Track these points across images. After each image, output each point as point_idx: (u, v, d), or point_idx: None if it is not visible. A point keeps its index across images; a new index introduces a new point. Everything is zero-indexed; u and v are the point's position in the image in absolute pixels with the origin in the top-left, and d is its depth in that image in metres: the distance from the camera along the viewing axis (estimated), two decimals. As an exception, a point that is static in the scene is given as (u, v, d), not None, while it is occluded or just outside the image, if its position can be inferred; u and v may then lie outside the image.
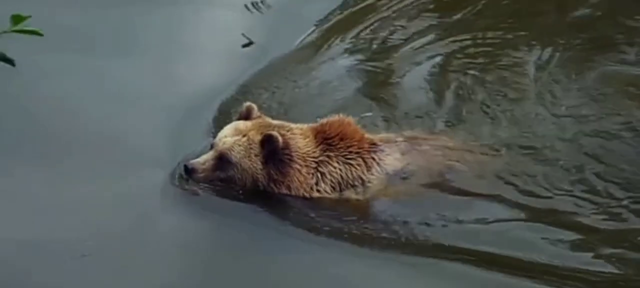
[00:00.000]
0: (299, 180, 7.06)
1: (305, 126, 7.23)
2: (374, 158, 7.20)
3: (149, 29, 9.12)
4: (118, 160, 7.39)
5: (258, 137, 6.99)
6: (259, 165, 7.01)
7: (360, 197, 7.15)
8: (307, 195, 7.10)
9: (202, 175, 7.04)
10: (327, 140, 7.16)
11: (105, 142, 7.56)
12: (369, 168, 7.16)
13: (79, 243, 6.51)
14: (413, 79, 8.72)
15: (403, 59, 9.13)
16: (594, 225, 7.04)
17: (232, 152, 7.00)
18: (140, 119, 7.91)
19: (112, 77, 8.39)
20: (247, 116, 7.20)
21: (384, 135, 7.49)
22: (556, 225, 7.00)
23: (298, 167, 7.05)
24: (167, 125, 7.79)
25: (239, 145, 7.01)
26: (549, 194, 7.30)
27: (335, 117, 7.30)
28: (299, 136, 7.13)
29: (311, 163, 7.09)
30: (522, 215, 7.09)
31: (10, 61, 5.04)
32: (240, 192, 7.12)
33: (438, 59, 9.10)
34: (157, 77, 8.43)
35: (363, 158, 7.18)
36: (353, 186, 7.16)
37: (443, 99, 8.41)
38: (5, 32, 5.04)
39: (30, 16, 5.13)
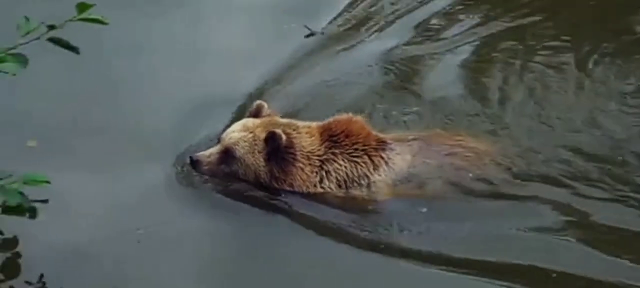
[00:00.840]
0: (301, 179, 7.02)
1: (313, 124, 7.20)
2: (382, 157, 7.11)
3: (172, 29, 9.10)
4: (143, 155, 7.37)
5: (263, 134, 7.00)
6: (262, 162, 7.01)
7: (365, 195, 7.07)
8: (311, 191, 7.05)
9: (206, 167, 7.06)
10: (332, 137, 7.12)
11: (134, 138, 7.57)
12: (376, 167, 7.07)
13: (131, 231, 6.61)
14: (450, 74, 8.55)
15: (447, 50, 8.92)
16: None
17: (237, 147, 7.01)
18: (161, 113, 7.90)
19: (136, 75, 8.35)
20: (256, 114, 7.21)
21: (396, 133, 7.41)
22: (581, 234, 6.74)
23: (301, 165, 7.02)
24: (192, 121, 7.80)
25: (244, 141, 7.02)
26: (582, 201, 7.03)
27: (343, 115, 7.27)
28: (304, 135, 7.09)
29: (315, 162, 7.05)
30: (538, 224, 6.82)
31: (74, 49, 5.14)
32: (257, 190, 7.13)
33: (479, 52, 8.91)
34: (183, 75, 8.45)
35: (369, 156, 7.10)
36: (359, 184, 7.07)
37: (484, 97, 8.19)
38: (70, 20, 5.16)
39: (94, 4, 5.21)
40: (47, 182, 5.29)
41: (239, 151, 7.03)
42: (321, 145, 7.08)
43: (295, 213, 6.96)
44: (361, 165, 7.06)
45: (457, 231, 6.73)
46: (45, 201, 5.44)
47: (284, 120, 7.24)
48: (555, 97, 8.10)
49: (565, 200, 6.97)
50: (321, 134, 7.13)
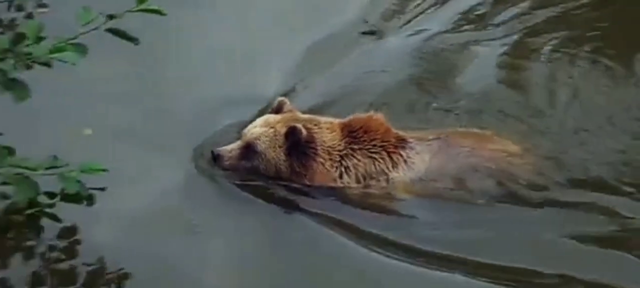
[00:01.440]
0: (321, 173, 7.09)
1: (334, 120, 7.29)
2: (401, 155, 7.16)
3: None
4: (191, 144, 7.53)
5: (283, 129, 7.09)
6: (282, 157, 7.08)
7: (383, 192, 7.12)
8: (330, 186, 7.13)
9: (227, 162, 7.14)
10: (352, 133, 7.19)
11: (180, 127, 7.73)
12: (395, 164, 7.13)
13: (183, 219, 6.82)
14: (489, 67, 8.58)
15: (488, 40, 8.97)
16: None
17: (258, 142, 7.09)
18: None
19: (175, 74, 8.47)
20: (278, 110, 7.31)
21: (417, 132, 7.42)
22: (619, 244, 6.59)
23: (321, 160, 7.10)
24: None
25: (266, 136, 7.10)
26: (623, 208, 6.88)
27: (365, 113, 7.37)
28: (325, 130, 7.17)
29: (335, 157, 7.12)
30: (570, 232, 6.71)
31: (132, 39, 5.22)
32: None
33: (520, 44, 8.89)
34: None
35: (387, 153, 7.15)
36: (377, 181, 7.14)
37: (523, 93, 8.18)
38: (129, 11, 5.23)
39: (154, -5, 5.24)
40: (105, 170, 5.38)
41: (260, 146, 7.10)
42: (341, 140, 7.15)
43: (314, 207, 7.00)
44: (379, 162, 7.14)
45: (470, 235, 6.76)
46: (102, 188, 5.54)
47: (305, 116, 7.31)
48: (598, 97, 8.02)
49: (602, 207, 6.85)
50: (342, 130, 7.21)
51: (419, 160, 7.14)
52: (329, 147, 7.12)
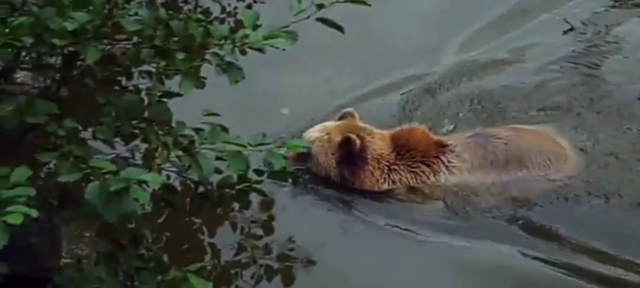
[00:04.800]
0: (370, 183, 7.35)
1: (385, 132, 7.52)
2: (442, 162, 7.36)
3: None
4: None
5: (338, 138, 7.35)
6: (333, 164, 7.35)
7: (428, 200, 7.31)
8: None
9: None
10: (398, 147, 7.42)
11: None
12: (435, 173, 7.35)
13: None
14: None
15: None
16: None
17: (312, 146, 7.31)
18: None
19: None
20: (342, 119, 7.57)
21: (456, 134, 7.64)
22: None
23: (371, 169, 7.34)
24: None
25: (319, 141, 7.37)
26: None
27: (408, 126, 7.60)
28: (378, 140, 7.41)
29: (384, 168, 7.36)
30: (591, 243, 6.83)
31: (340, 28, 5.47)
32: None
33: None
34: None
35: (428, 165, 7.36)
36: (421, 191, 7.35)
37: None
38: (337, 1, 5.48)
39: (363, -14, 5.43)
40: (308, 147, 5.65)
41: (313, 149, 7.32)
42: (391, 152, 7.38)
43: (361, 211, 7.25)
44: (419, 174, 7.34)
45: (513, 239, 6.89)
46: (301, 169, 5.77)
47: (362, 125, 7.50)
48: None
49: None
50: (392, 141, 7.43)
51: (460, 163, 7.31)
52: (379, 155, 7.34)
